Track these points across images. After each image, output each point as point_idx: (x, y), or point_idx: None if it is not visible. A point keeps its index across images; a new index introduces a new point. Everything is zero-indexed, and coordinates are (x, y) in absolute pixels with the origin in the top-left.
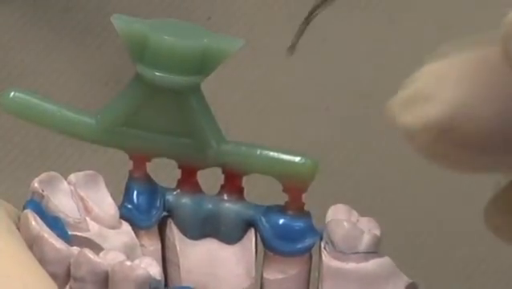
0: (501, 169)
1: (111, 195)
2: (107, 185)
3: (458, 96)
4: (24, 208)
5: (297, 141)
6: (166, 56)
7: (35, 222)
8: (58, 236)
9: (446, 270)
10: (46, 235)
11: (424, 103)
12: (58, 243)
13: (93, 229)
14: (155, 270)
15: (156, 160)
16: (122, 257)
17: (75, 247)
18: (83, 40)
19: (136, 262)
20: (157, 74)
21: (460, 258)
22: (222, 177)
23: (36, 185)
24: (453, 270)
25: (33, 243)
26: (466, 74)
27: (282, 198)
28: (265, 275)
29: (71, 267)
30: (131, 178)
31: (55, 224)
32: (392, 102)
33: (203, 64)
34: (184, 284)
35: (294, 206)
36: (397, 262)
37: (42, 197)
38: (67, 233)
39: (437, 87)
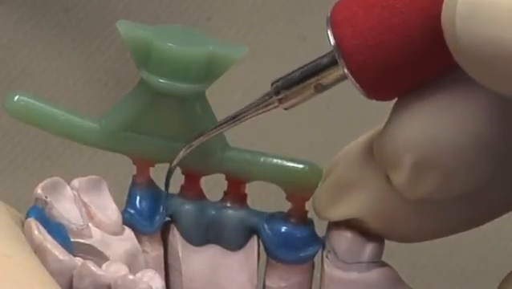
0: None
1: (112, 195)
2: (110, 186)
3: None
4: (27, 215)
5: (297, 140)
6: (170, 63)
7: (38, 232)
8: (61, 244)
9: (448, 279)
10: (48, 246)
11: (345, 194)
12: (62, 254)
13: (96, 236)
14: (157, 284)
15: (159, 166)
16: (125, 269)
17: (78, 258)
18: (83, 40)
19: (139, 275)
20: (161, 81)
21: (461, 262)
22: (226, 183)
23: (39, 191)
24: (454, 277)
25: (36, 253)
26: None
27: (285, 205)
28: (267, 283)
29: (74, 279)
30: (134, 183)
31: (58, 231)
32: (316, 194)
33: (208, 71)
34: None
35: (297, 214)
36: (399, 269)
37: (46, 203)
38: (69, 240)
39: (352, 173)
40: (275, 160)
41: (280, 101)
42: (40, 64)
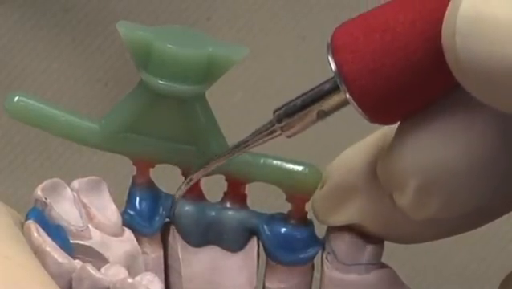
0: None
1: (112, 195)
2: (110, 187)
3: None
4: (27, 217)
5: (296, 143)
6: (170, 65)
7: (37, 234)
8: (60, 246)
9: (448, 279)
10: (48, 248)
11: (345, 200)
12: (61, 257)
13: (95, 238)
14: (157, 287)
15: (159, 166)
16: (124, 272)
17: (77, 261)
18: (83, 40)
19: (138, 278)
20: (161, 82)
21: (461, 263)
22: (225, 184)
23: (39, 192)
24: (454, 277)
25: (35, 255)
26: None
27: (285, 206)
28: (267, 284)
29: (73, 282)
30: (134, 184)
31: (58, 233)
32: (315, 198)
33: (208, 73)
34: None
35: (297, 215)
36: (399, 270)
37: (45, 205)
38: (69, 242)
39: (351, 178)
40: (275, 162)
41: (282, 129)
42: (40, 64)
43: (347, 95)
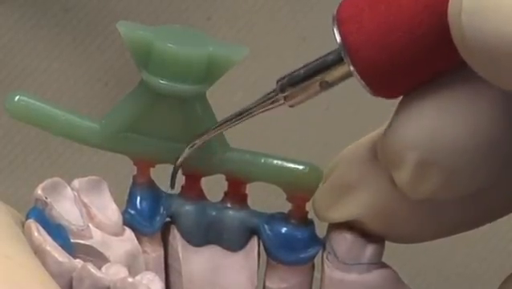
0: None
1: (113, 194)
2: (110, 187)
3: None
4: (27, 216)
5: (297, 141)
6: (171, 64)
7: (38, 233)
8: (61, 245)
9: (448, 279)
10: (48, 248)
11: (345, 195)
12: (61, 256)
13: (96, 237)
14: (157, 286)
15: (160, 166)
16: (124, 272)
17: (77, 260)
18: (83, 40)
19: (138, 277)
20: (162, 82)
21: (461, 263)
22: (226, 184)
23: (40, 192)
24: (454, 277)
25: (36, 254)
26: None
27: (286, 205)
28: (267, 284)
29: (73, 281)
30: (134, 184)
31: (58, 233)
32: (317, 195)
33: (208, 72)
34: None
35: (298, 215)
36: (399, 270)
37: (46, 204)
38: (70, 242)
39: (353, 174)
40: (275, 161)
41: (285, 98)
42: (40, 64)
43: (351, 68)
